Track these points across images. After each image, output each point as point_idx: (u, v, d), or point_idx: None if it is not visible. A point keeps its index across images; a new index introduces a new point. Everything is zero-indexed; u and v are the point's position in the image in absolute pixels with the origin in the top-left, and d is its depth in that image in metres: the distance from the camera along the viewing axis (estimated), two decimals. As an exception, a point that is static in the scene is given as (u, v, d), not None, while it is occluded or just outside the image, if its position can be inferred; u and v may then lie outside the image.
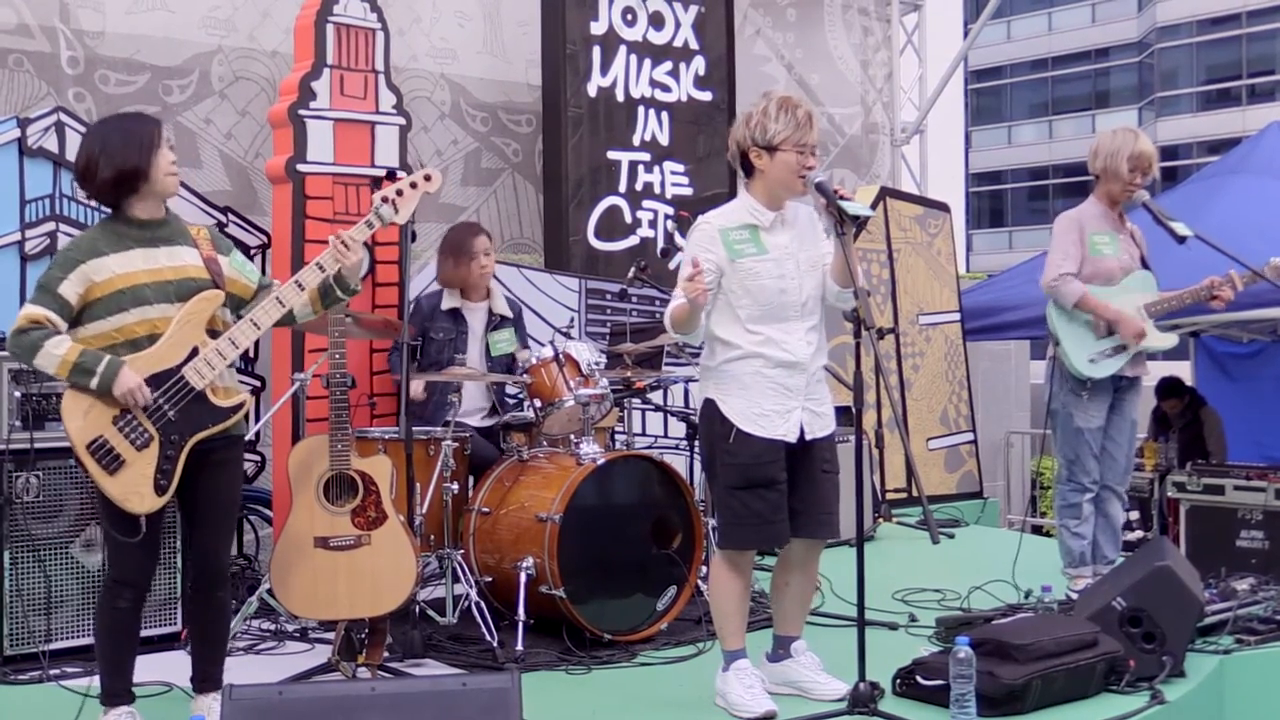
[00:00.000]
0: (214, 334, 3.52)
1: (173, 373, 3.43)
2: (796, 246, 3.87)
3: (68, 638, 4.38)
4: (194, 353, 3.46)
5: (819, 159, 3.87)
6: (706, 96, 7.21)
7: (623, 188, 6.88)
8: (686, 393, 6.54)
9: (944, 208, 8.73)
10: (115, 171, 3.44)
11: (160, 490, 3.42)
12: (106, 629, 3.59)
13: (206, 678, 3.69)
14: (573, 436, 4.98)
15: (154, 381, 3.40)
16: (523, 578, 4.49)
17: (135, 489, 3.40)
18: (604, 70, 6.80)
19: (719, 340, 3.85)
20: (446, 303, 5.41)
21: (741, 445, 3.77)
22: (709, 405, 3.86)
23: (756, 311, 3.79)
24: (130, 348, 3.42)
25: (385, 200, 3.71)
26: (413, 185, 3.77)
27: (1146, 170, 5.06)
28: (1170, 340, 5.20)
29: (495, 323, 5.47)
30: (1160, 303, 5.09)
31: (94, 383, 3.34)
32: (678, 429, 6.43)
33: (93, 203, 3.82)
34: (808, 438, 3.83)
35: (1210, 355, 10.07)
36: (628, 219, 6.91)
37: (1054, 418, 5.16)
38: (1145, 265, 5.19)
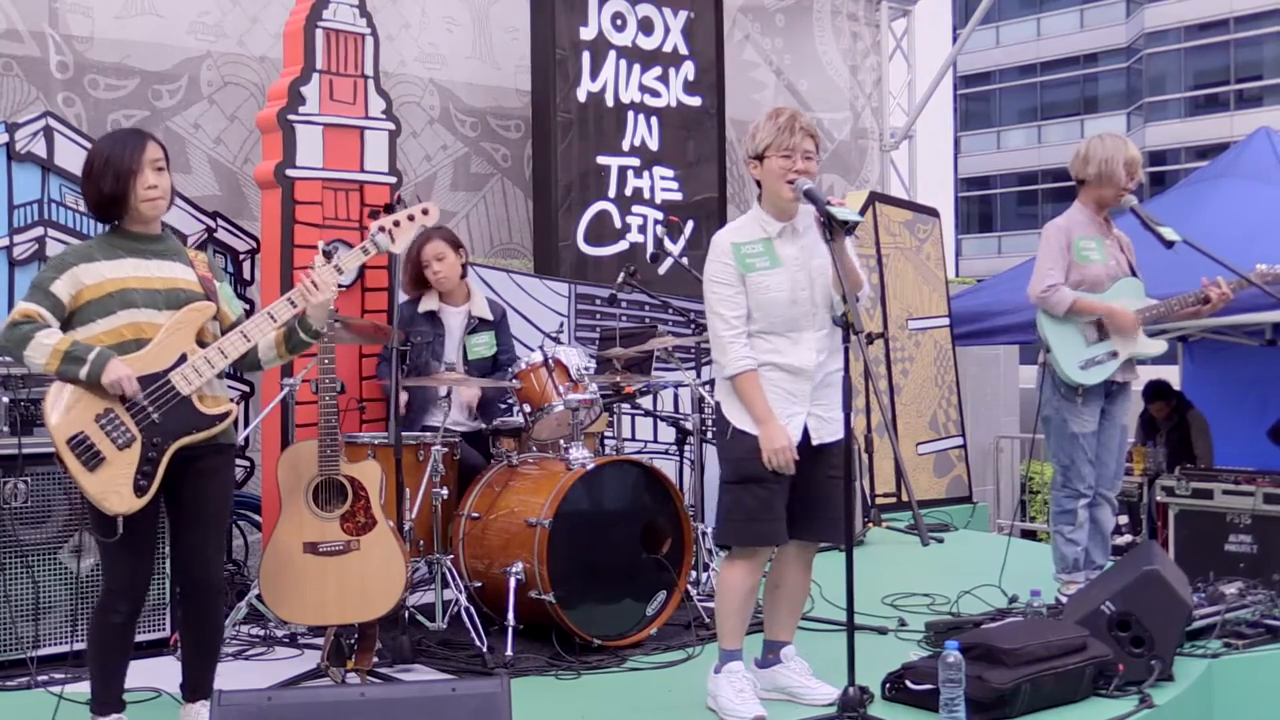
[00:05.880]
0: (203, 345, 3.53)
1: (160, 376, 3.43)
2: (807, 256, 3.86)
3: (55, 644, 4.37)
4: (182, 359, 3.47)
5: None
6: (696, 102, 7.22)
7: (612, 193, 6.89)
8: (676, 397, 6.55)
9: (933, 213, 8.74)
10: (97, 198, 3.53)
11: (140, 491, 3.39)
12: (99, 642, 3.57)
13: (197, 686, 3.68)
14: (562, 441, 4.98)
15: (141, 383, 3.40)
16: (512, 583, 4.50)
17: (114, 488, 3.37)
18: (593, 75, 6.81)
19: None
20: (424, 305, 5.38)
21: (737, 442, 3.81)
22: (717, 407, 3.95)
23: (767, 323, 3.80)
24: (118, 352, 3.41)
25: (382, 230, 3.74)
26: (410, 218, 3.80)
27: (1136, 175, 5.09)
28: (1160, 346, 5.19)
29: (473, 325, 5.41)
30: (1151, 310, 5.09)
31: (84, 372, 3.33)
32: (667, 434, 6.43)
33: (82, 208, 3.84)
34: (814, 443, 3.84)
35: (1197, 359, 10.08)
36: (617, 224, 6.92)
37: (1047, 424, 5.12)
38: (1133, 272, 5.19)
